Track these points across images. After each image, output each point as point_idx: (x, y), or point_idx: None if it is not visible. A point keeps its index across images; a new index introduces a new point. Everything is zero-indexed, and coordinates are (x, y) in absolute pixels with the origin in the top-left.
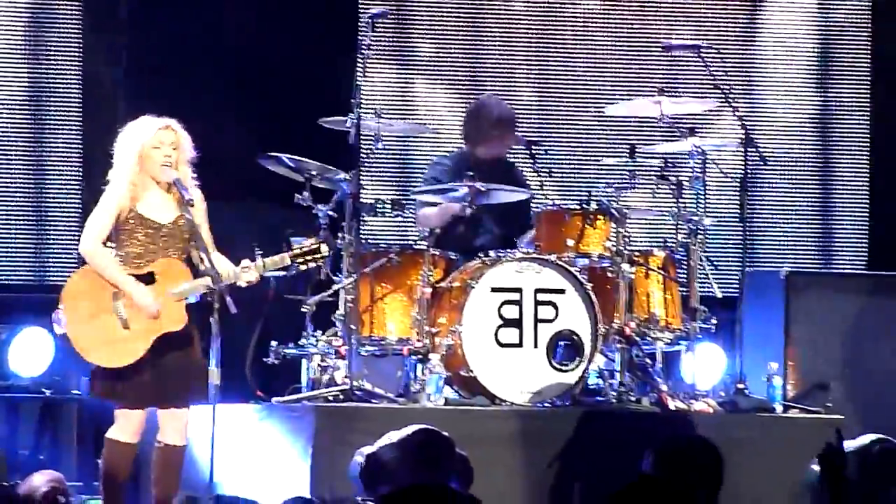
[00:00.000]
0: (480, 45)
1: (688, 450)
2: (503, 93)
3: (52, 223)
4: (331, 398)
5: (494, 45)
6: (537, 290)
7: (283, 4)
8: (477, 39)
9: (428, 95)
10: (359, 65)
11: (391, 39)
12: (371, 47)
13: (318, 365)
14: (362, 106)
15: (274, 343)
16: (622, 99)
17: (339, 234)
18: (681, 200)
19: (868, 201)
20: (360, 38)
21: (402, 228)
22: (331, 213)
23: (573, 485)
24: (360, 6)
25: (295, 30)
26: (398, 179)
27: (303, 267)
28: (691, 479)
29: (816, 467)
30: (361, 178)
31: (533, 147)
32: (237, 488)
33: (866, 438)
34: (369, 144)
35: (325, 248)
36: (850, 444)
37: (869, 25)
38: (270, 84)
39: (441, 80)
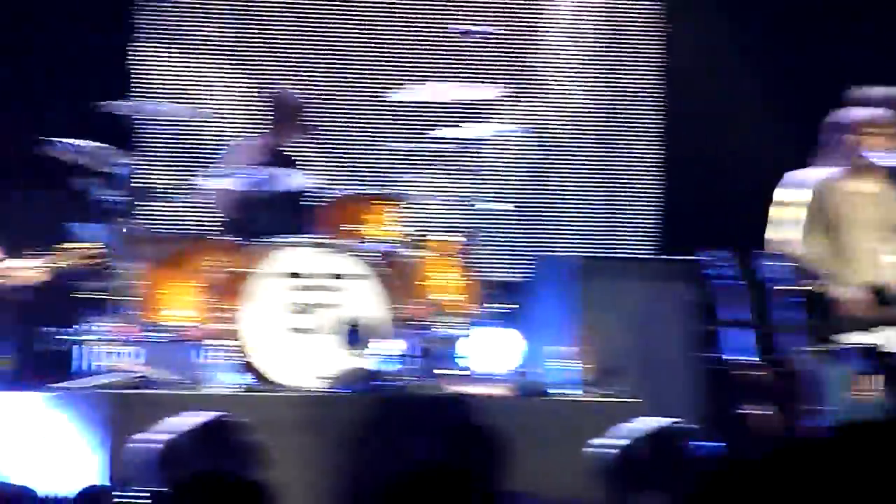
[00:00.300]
0: (263, 27)
1: (470, 434)
2: (289, 78)
3: None
4: (122, 385)
5: (279, 29)
6: (328, 276)
7: None
8: (256, 21)
9: (207, 79)
10: (135, 47)
11: (169, 21)
12: (146, 29)
13: (107, 352)
14: (141, 89)
15: (57, 329)
16: (412, 84)
17: (122, 219)
18: (472, 186)
19: (661, 187)
20: (137, 19)
21: (188, 213)
22: (116, 197)
23: (366, 470)
24: None
25: (72, 11)
26: (179, 163)
27: (77, 269)
28: (474, 463)
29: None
30: (142, 161)
31: (314, 132)
32: (21, 476)
33: (659, 421)
34: (149, 128)
35: (99, 253)
36: (643, 427)
37: (663, 11)
38: (50, 66)
39: (220, 63)
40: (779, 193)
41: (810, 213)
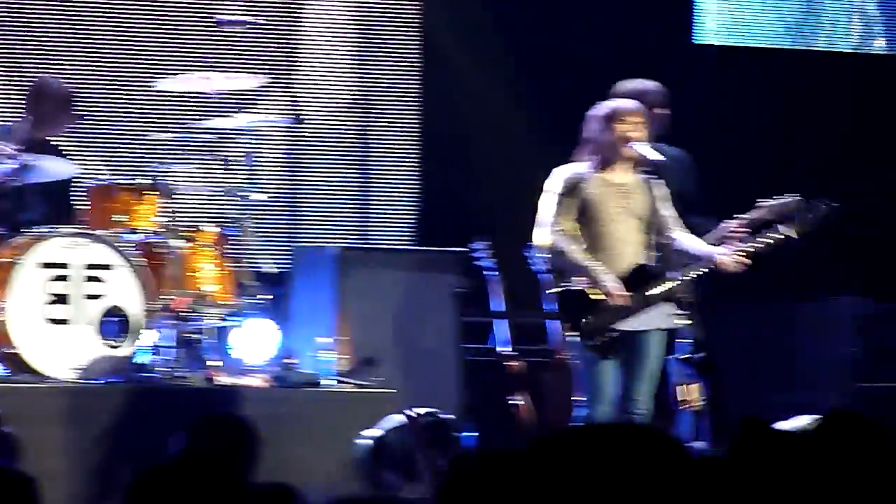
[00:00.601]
0: (23, 15)
1: (217, 426)
2: (48, 66)
3: None
4: None
5: (39, 17)
6: (86, 266)
7: None
8: (19, 10)
9: None
10: None
11: None
12: None
13: None
14: None
15: None
16: (173, 74)
17: None
18: (232, 176)
19: (419, 177)
20: None
21: None
22: None
23: (124, 461)
24: None
25: None
26: None
27: None
28: (229, 453)
29: (367, 441)
30: None
31: (79, 121)
32: None
33: (415, 412)
34: None
35: None
36: (399, 418)
37: (420, 3)
38: None
39: None
40: (546, 186)
41: (566, 204)
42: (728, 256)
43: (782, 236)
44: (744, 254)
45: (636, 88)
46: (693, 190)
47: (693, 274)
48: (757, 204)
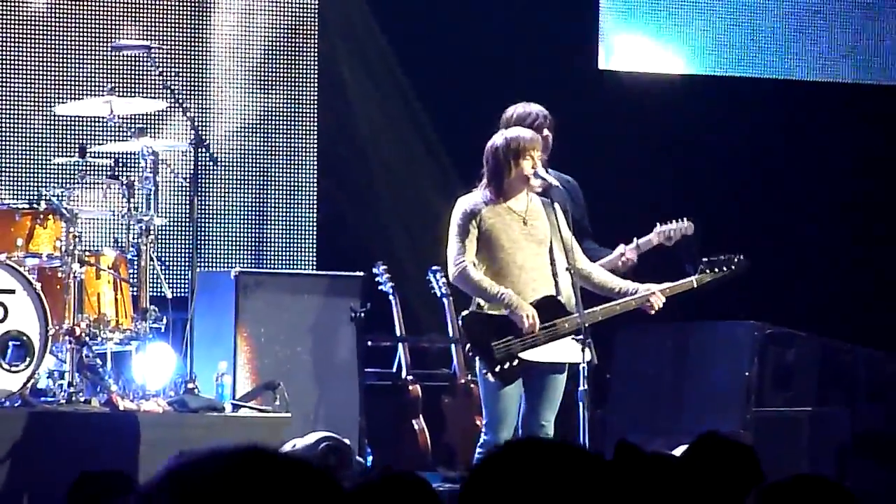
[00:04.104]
0: None
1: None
2: None
3: None
4: None
5: None
6: None
7: None
8: None
9: None
10: None
11: None
12: None
13: None
14: None
15: None
16: (72, 98)
17: None
18: (132, 200)
19: (315, 202)
20: None
21: None
22: None
23: (23, 486)
24: None
25: None
26: None
27: None
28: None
29: None
30: None
31: None
32: None
33: (312, 437)
34: None
35: None
36: (298, 442)
37: (314, 28)
38: None
39: None
40: (451, 218)
41: (470, 236)
42: (658, 298)
43: (688, 284)
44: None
45: (525, 112)
46: (583, 214)
47: (617, 310)
48: (655, 228)
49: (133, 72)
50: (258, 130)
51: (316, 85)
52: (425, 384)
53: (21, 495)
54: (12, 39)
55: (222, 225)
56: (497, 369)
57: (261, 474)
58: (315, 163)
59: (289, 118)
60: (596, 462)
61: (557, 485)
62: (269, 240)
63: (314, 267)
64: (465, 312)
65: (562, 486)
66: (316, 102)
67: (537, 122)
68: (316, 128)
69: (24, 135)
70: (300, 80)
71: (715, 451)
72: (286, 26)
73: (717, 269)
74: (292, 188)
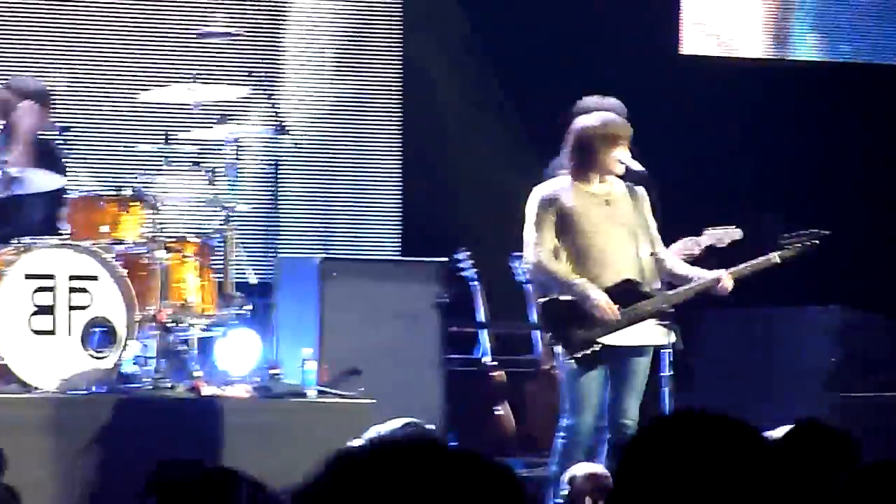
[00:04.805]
0: (8, 26)
1: (209, 435)
2: (35, 75)
3: None
4: None
5: (25, 28)
6: (71, 277)
7: None
8: (4, 20)
9: None
10: None
11: None
12: None
13: None
14: None
15: None
16: (156, 85)
17: None
18: (215, 187)
19: (400, 188)
20: None
21: None
22: None
23: (109, 472)
24: None
25: None
26: None
27: None
28: (213, 463)
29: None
30: None
31: (65, 132)
32: None
33: (397, 422)
34: None
35: None
36: (381, 428)
37: (399, 15)
38: None
39: None
40: (528, 204)
41: (548, 221)
42: (729, 280)
43: (770, 261)
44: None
45: (600, 104)
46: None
47: (689, 293)
48: (704, 231)
49: (216, 58)
50: (341, 116)
51: (400, 69)
52: (509, 370)
53: (107, 481)
54: (97, 27)
55: (306, 211)
56: (576, 355)
57: (434, 467)
58: (399, 148)
59: (372, 104)
60: (756, 437)
61: (718, 458)
62: (352, 226)
63: (398, 253)
64: (544, 298)
65: (723, 460)
66: (400, 87)
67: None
68: (400, 113)
69: (108, 122)
70: (384, 64)
71: (814, 438)
72: (370, 11)
73: (798, 244)
74: (376, 174)
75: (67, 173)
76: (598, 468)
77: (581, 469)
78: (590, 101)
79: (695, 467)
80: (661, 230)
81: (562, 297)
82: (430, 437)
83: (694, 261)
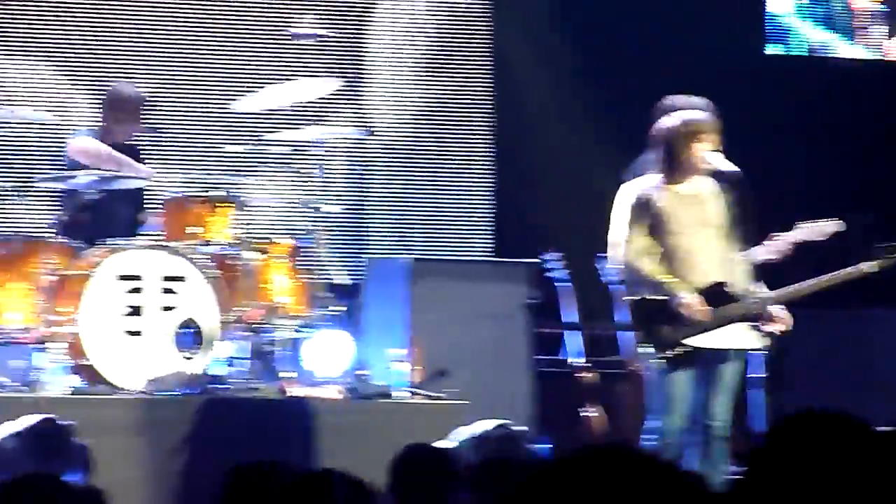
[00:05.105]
0: (104, 31)
1: (300, 436)
2: (126, 78)
3: None
4: None
5: (118, 31)
6: (161, 278)
7: None
8: (100, 25)
9: (50, 82)
10: None
11: (11, 25)
12: None
13: None
14: None
15: None
16: (246, 86)
17: None
18: (305, 188)
19: (492, 188)
20: None
21: (24, 216)
22: None
23: (198, 472)
24: None
25: None
26: (19, 166)
27: None
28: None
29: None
30: None
31: (155, 133)
32: None
33: (487, 424)
34: None
35: None
36: (471, 430)
37: (490, 15)
38: None
39: (64, 66)
40: (616, 201)
41: (637, 220)
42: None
43: (861, 271)
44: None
45: (686, 105)
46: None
47: (779, 298)
48: (797, 226)
49: (305, 60)
50: (432, 117)
51: (491, 68)
52: (600, 371)
53: (195, 482)
54: (187, 28)
55: (395, 212)
56: (663, 355)
57: (627, 475)
58: (490, 148)
59: (463, 103)
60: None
61: (843, 458)
62: (442, 226)
63: (489, 254)
64: (632, 298)
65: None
66: (491, 86)
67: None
68: (491, 113)
69: (198, 123)
70: (476, 65)
71: None
72: (461, 11)
73: (893, 253)
74: (467, 174)
75: (157, 175)
76: None
77: None
78: (675, 100)
79: (827, 469)
80: (749, 231)
81: (651, 296)
82: (625, 448)
83: (784, 260)
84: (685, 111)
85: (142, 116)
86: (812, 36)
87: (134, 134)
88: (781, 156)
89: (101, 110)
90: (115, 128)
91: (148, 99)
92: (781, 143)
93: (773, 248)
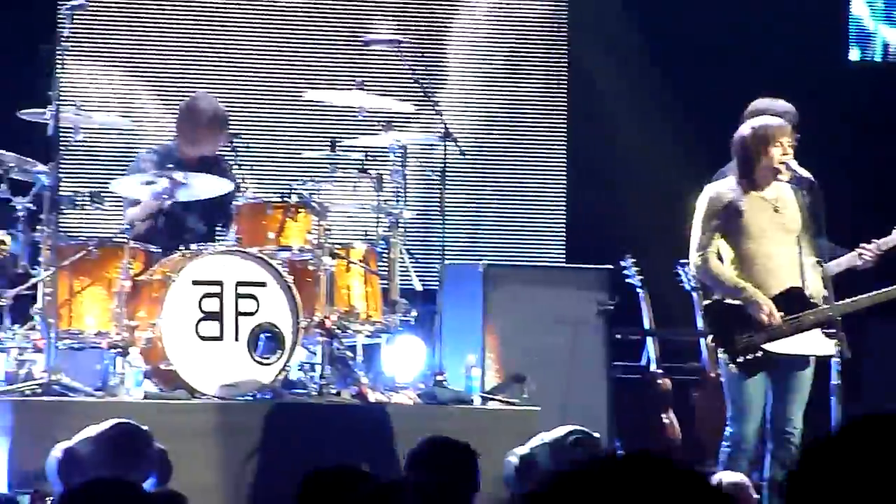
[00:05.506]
0: (181, 37)
1: (376, 442)
2: (204, 85)
3: None
4: (28, 392)
5: (195, 38)
6: (238, 283)
7: None
8: (178, 32)
9: (128, 88)
10: (57, 56)
11: (91, 31)
12: (70, 39)
13: (16, 359)
14: (61, 98)
15: None
16: (324, 90)
17: (38, 227)
18: (381, 194)
19: (565, 196)
20: (58, 29)
21: (101, 221)
22: (29, 205)
23: (274, 478)
24: None
25: None
26: (97, 172)
27: None
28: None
29: (514, 459)
30: (60, 170)
31: (234, 140)
32: None
33: (562, 430)
34: (68, 137)
35: (8, 240)
36: (546, 436)
37: (565, 21)
38: None
39: (141, 72)
40: (697, 205)
41: (715, 224)
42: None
43: None
44: None
45: (775, 110)
46: (821, 213)
47: (856, 306)
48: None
49: (382, 65)
50: (507, 123)
51: (566, 74)
52: (675, 377)
53: (272, 487)
54: (266, 35)
55: (470, 218)
56: (739, 360)
57: (654, 483)
58: (564, 154)
59: (538, 109)
60: None
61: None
62: (516, 232)
63: (563, 259)
64: (707, 302)
65: None
66: (566, 93)
67: (788, 120)
68: (566, 119)
69: (275, 129)
70: (550, 71)
71: None
72: (536, 17)
73: None
74: (541, 180)
75: (237, 180)
76: (739, 477)
77: (726, 477)
78: (760, 103)
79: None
80: (828, 239)
81: (726, 301)
82: (651, 455)
83: (875, 266)
84: (759, 118)
85: (221, 131)
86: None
87: (211, 147)
88: (865, 161)
89: (176, 122)
90: (188, 143)
91: (227, 111)
92: (862, 151)
93: (867, 254)
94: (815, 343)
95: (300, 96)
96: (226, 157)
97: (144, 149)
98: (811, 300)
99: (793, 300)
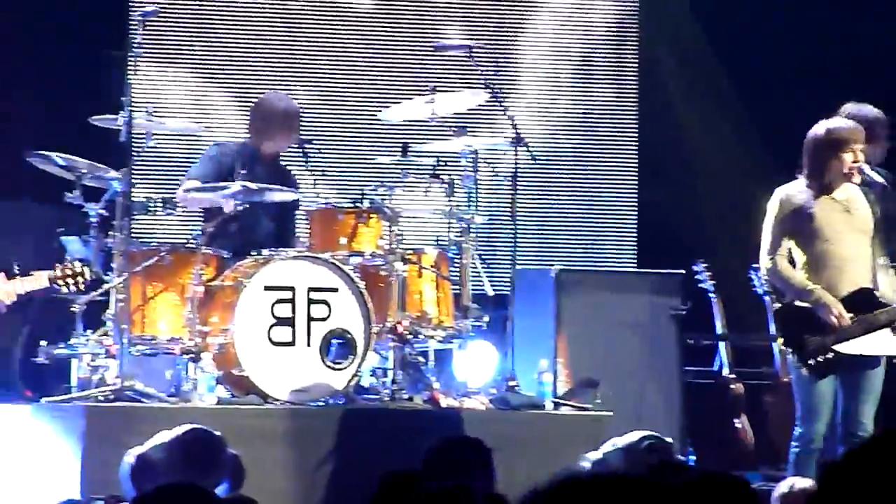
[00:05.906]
0: (253, 43)
1: (448, 447)
2: (275, 91)
3: None
4: (101, 398)
5: (267, 44)
6: (310, 289)
7: (52, 1)
8: (249, 38)
9: (200, 94)
10: (129, 62)
11: (163, 37)
12: (142, 45)
13: (89, 365)
14: (133, 104)
15: (43, 342)
16: (394, 97)
17: (110, 233)
18: (453, 199)
19: (636, 200)
20: (130, 35)
21: (173, 227)
22: (101, 211)
23: (346, 483)
24: (130, 3)
25: (65, 26)
26: (169, 178)
27: (64, 290)
28: (451, 476)
29: (587, 464)
30: (132, 176)
31: (306, 145)
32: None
33: (634, 435)
34: (140, 143)
35: (87, 272)
36: (619, 441)
37: (636, 27)
38: (40, 81)
39: (213, 78)
40: (767, 208)
41: (787, 226)
42: None
43: None
44: None
45: (865, 116)
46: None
47: None
48: None
49: (454, 71)
50: (577, 127)
51: (636, 79)
52: (747, 382)
53: (344, 493)
54: (338, 41)
55: (542, 222)
56: (809, 362)
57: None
58: (635, 159)
59: (608, 115)
60: None
61: None
62: (587, 237)
63: (634, 265)
64: (778, 305)
65: None
66: (636, 98)
67: (876, 129)
68: (636, 124)
69: (347, 135)
70: (621, 76)
71: None
72: (607, 21)
73: None
74: (612, 186)
75: (304, 186)
76: (810, 483)
77: (798, 483)
78: (847, 108)
79: None
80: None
81: (797, 303)
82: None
83: None
84: (831, 120)
85: (294, 128)
86: None
87: (285, 143)
88: None
89: (249, 122)
90: (263, 140)
91: (300, 110)
92: None
93: None
94: (886, 343)
95: (373, 106)
96: (292, 164)
97: (217, 143)
98: (881, 300)
99: (862, 300)
